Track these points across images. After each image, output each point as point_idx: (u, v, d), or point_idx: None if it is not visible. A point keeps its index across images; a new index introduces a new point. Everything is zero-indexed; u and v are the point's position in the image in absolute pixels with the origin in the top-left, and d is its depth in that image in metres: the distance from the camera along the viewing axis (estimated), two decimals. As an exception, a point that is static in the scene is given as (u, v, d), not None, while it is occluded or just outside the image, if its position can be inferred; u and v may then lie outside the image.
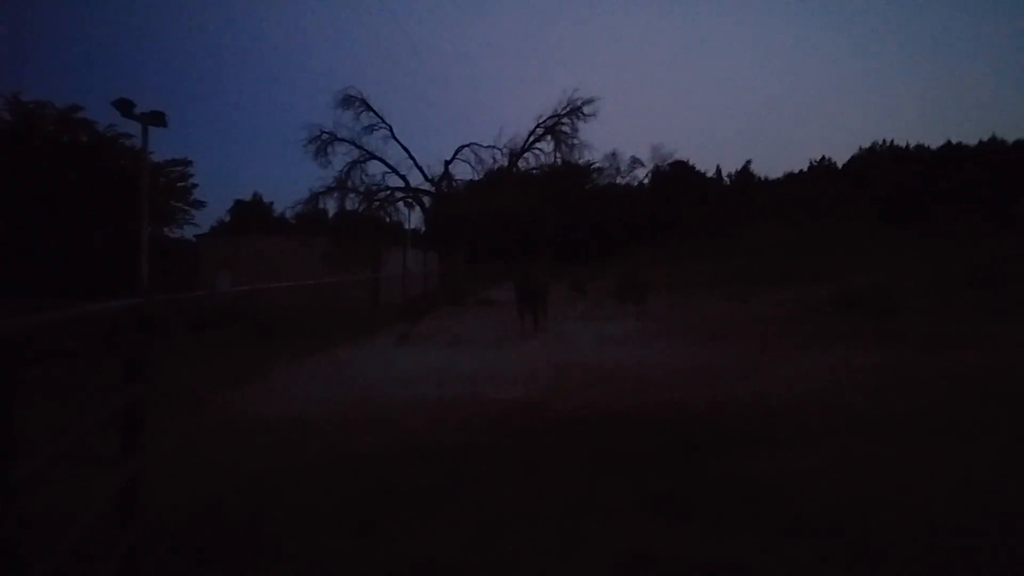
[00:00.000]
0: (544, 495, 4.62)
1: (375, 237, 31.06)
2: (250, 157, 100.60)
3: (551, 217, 36.56)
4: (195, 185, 45.75)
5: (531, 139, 32.18)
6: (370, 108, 31.06)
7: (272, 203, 63.70)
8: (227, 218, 62.52)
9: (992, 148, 53.21)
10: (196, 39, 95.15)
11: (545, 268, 20.10)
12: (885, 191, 47.04)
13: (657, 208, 48.47)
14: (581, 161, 38.77)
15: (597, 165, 47.73)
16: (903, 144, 59.31)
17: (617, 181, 51.31)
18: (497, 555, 3.71)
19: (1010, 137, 54.38)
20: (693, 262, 32.40)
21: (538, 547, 3.78)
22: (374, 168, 31.82)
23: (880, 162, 54.59)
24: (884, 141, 60.89)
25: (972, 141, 57.33)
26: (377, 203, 31.98)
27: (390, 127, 31.38)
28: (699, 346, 11.59)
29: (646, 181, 52.70)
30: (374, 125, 31.14)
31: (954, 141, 57.71)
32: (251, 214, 61.82)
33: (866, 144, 61.22)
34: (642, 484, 4.75)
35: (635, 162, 50.30)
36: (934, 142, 62.86)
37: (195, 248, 38.66)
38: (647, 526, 4.03)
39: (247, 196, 65.28)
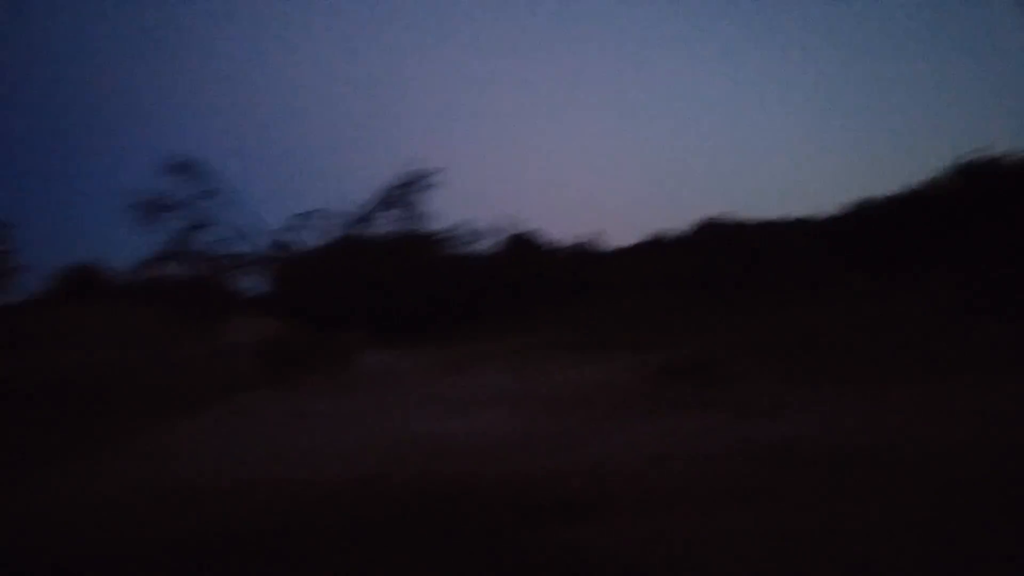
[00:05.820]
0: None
1: (214, 304, 29.42)
2: (82, 221, 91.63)
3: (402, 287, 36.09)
4: (14, 249, 41.17)
5: (374, 208, 32.20)
6: (205, 173, 29.51)
7: (105, 268, 58.68)
8: (53, 284, 56.63)
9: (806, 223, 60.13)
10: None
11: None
12: (715, 262, 51.21)
13: (501, 279, 48.78)
14: (427, 231, 38.25)
15: (443, 235, 47.31)
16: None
17: (463, 251, 51.03)
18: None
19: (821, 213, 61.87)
20: (535, 331, 33.05)
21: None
22: (214, 234, 30.12)
23: (706, 236, 59.54)
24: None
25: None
26: (217, 269, 30.50)
27: (227, 191, 29.91)
28: (539, 414, 11.63)
29: (491, 251, 53.07)
30: (210, 190, 29.53)
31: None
32: (81, 280, 56.45)
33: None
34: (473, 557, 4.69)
35: (477, 233, 50.34)
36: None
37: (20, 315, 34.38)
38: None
39: (79, 260, 59.68)
